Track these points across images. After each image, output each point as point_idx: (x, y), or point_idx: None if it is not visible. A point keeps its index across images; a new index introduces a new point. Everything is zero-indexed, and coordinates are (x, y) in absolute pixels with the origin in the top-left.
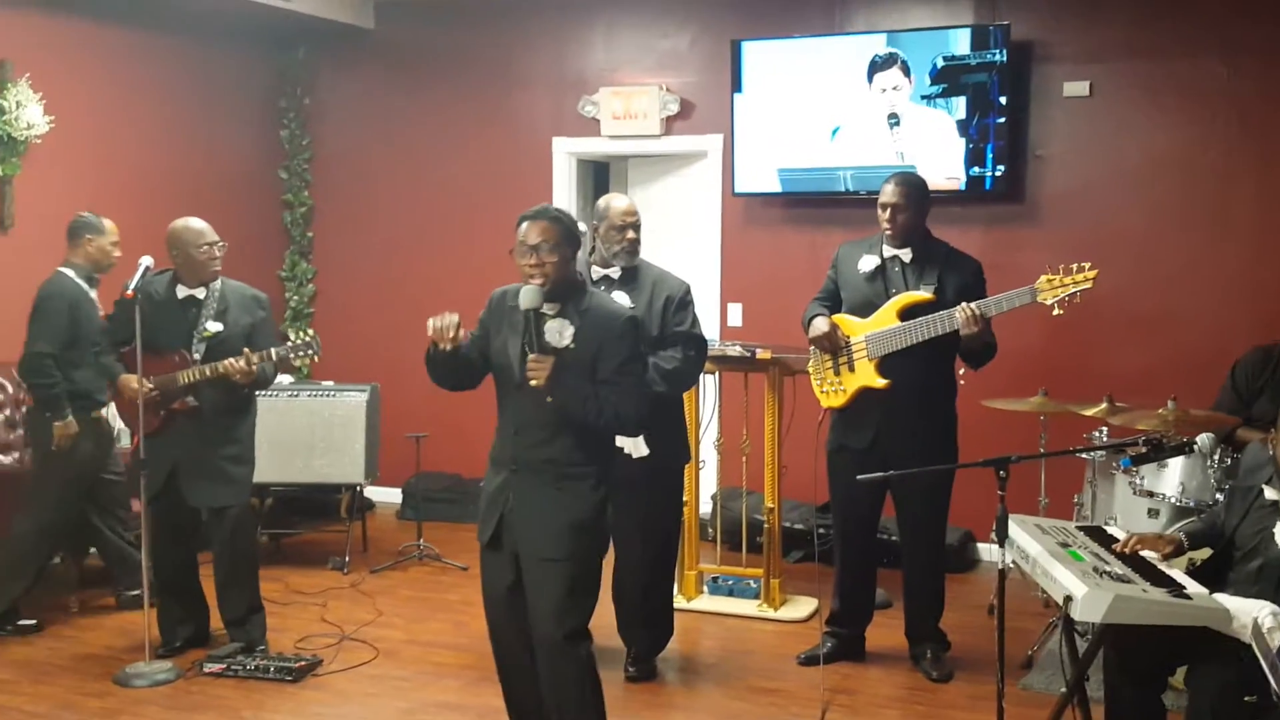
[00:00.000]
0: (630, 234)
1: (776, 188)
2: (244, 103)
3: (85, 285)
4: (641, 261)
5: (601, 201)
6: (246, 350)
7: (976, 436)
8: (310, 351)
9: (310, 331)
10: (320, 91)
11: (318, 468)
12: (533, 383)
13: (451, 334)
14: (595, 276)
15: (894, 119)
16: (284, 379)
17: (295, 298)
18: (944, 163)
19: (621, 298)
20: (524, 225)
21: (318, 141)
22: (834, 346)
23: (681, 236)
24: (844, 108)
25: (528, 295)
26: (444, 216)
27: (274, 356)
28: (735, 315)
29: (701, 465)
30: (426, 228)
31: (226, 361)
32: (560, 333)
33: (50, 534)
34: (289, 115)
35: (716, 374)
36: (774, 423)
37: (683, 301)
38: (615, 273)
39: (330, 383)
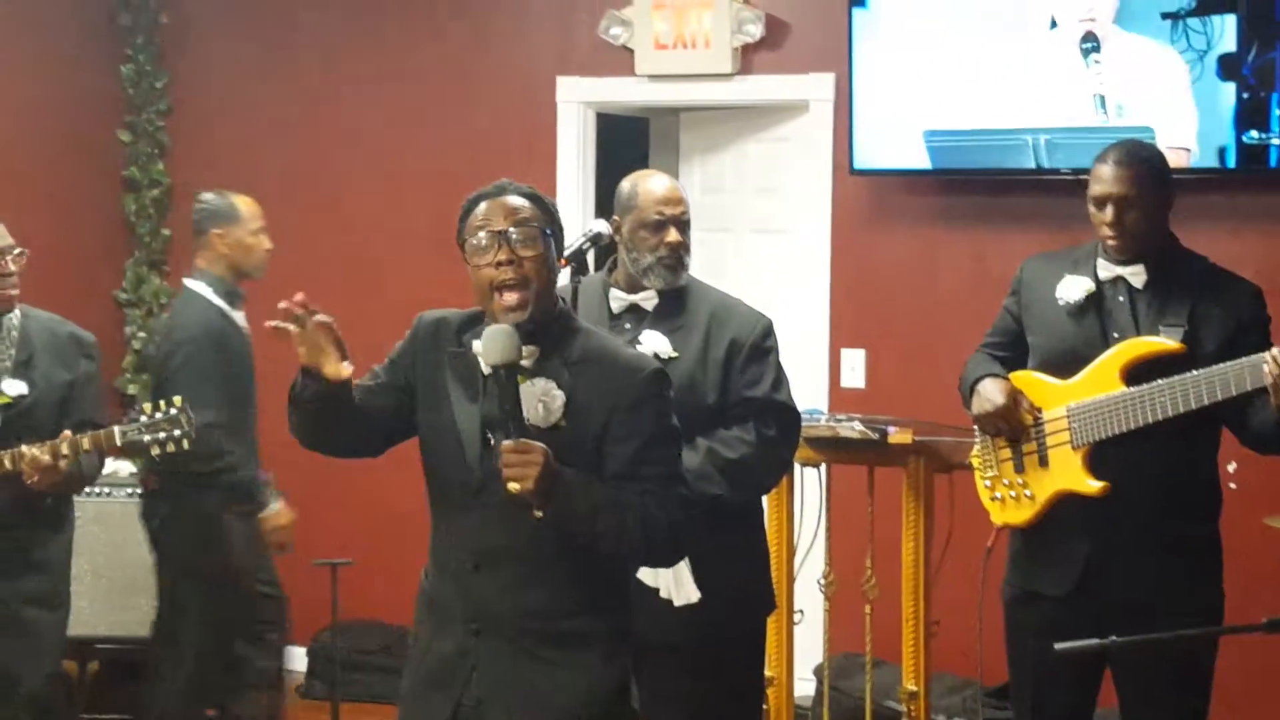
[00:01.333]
0: (672, 234)
1: (922, 161)
2: (61, 22)
3: (226, 305)
4: (693, 282)
5: (626, 183)
6: (68, 433)
7: (1253, 575)
8: (178, 432)
9: (178, 400)
10: (186, 5)
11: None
12: (512, 487)
13: (332, 354)
14: (617, 307)
15: (1090, 44)
16: (118, 468)
17: (141, 334)
18: (1171, 122)
19: (656, 342)
20: (480, 206)
21: (179, 84)
22: (1015, 426)
23: (762, 241)
24: (1031, 35)
25: (496, 341)
26: (381, 207)
27: (109, 441)
28: (854, 370)
29: (797, 619)
30: (353, 224)
31: (23, 450)
32: (544, 402)
33: (200, 689)
34: (134, 42)
35: (822, 467)
36: (917, 549)
37: (759, 348)
38: (649, 300)
39: None
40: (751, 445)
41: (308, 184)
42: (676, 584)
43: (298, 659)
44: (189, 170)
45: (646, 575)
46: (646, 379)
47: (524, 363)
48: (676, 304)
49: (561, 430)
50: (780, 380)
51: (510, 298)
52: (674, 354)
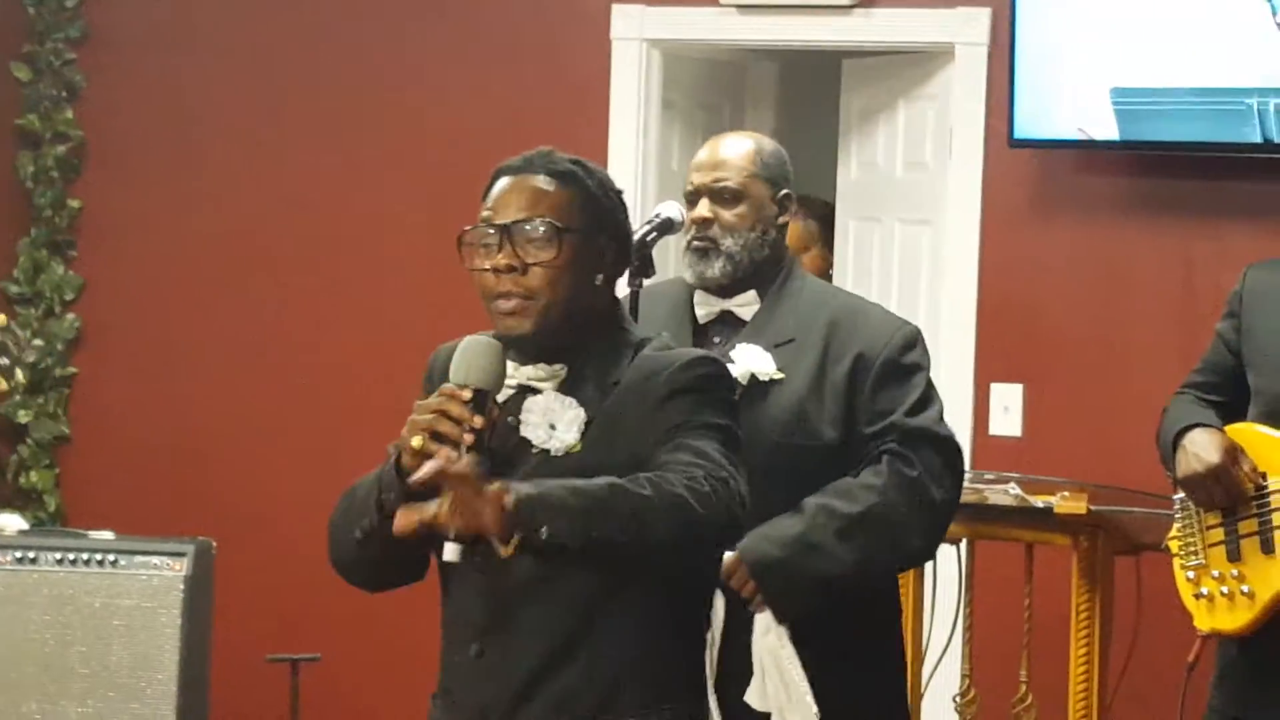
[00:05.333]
0: (700, 209)
1: (1108, 130)
2: None
3: None
4: (810, 282)
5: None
6: None
7: None
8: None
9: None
10: None
11: None
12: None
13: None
14: (704, 315)
15: None
16: (3, 521)
17: (38, 340)
18: None
19: (753, 359)
20: (496, 186)
21: (95, 6)
22: (1234, 494)
23: (880, 237)
24: None
25: (468, 356)
26: (371, 182)
27: None
28: (1007, 412)
29: None
30: (337, 202)
31: None
32: (553, 421)
33: None
34: None
35: (962, 544)
36: (1090, 660)
37: (895, 365)
38: (748, 305)
39: (106, 534)
40: (882, 493)
41: (271, 146)
42: (790, 700)
43: None
44: (107, 120)
45: (754, 697)
46: (676, 369)
47: (532, 380)
48: (785, 311)
49: (575, 458)
50: (928, 402)
51: (506, 304)
52: (778, 374)
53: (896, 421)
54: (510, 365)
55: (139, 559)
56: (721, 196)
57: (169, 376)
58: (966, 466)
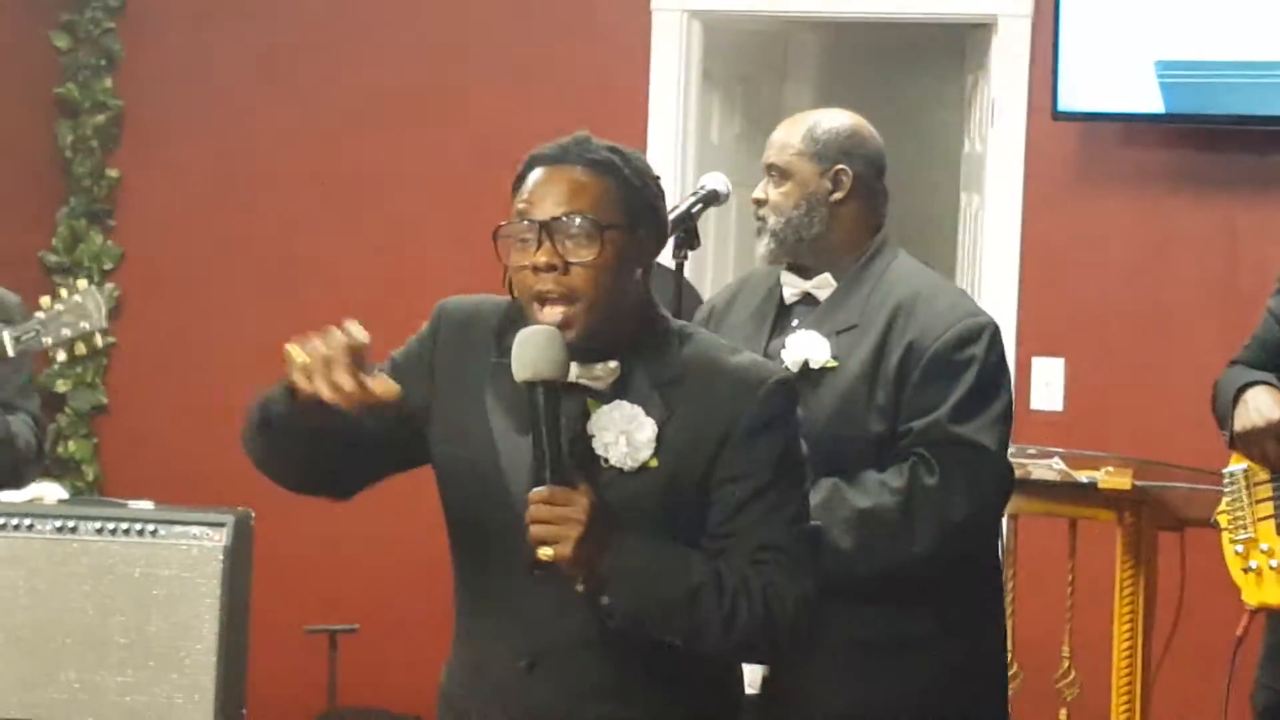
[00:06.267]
0: (757, 190)
1: (1154, 103)
2: None
3: None
4: (892, 262)
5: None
6: None
7: None
8: (85, 325)
9: (82, 283)
10: None
11: (115, 696)
12: (542, 553)
13: (345, 379)
14: (790, 295)
15: None
16: (44, 491)
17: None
18: None
19: (806, 345)
20: (531, 178)
21: None
22: None
23: (921, 211)
24: None
25: (533, 345)
26: (406, 160)
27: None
28: (1050, 386)
29: None
30: (372, 180)
31: None
32: (626, 435)
33: None
34: None
35: (1005, 519)
36: (1135, 635)
37: (945, 361)
38: (824, 287)
39: (146, 503)
40: (895, 493)
41: (309, 118)
42: None
43: None
44: (146, 90)
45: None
46: (767, 395)
47: (582, 378)
48: (858, 295)
49: (651, 474)
50: (981, 405)
51: (550, 313)
52: (831, 362)
53: (939, 419)
54: None
55: (178, 529)
56: (771, 175)
57: (206, 347)
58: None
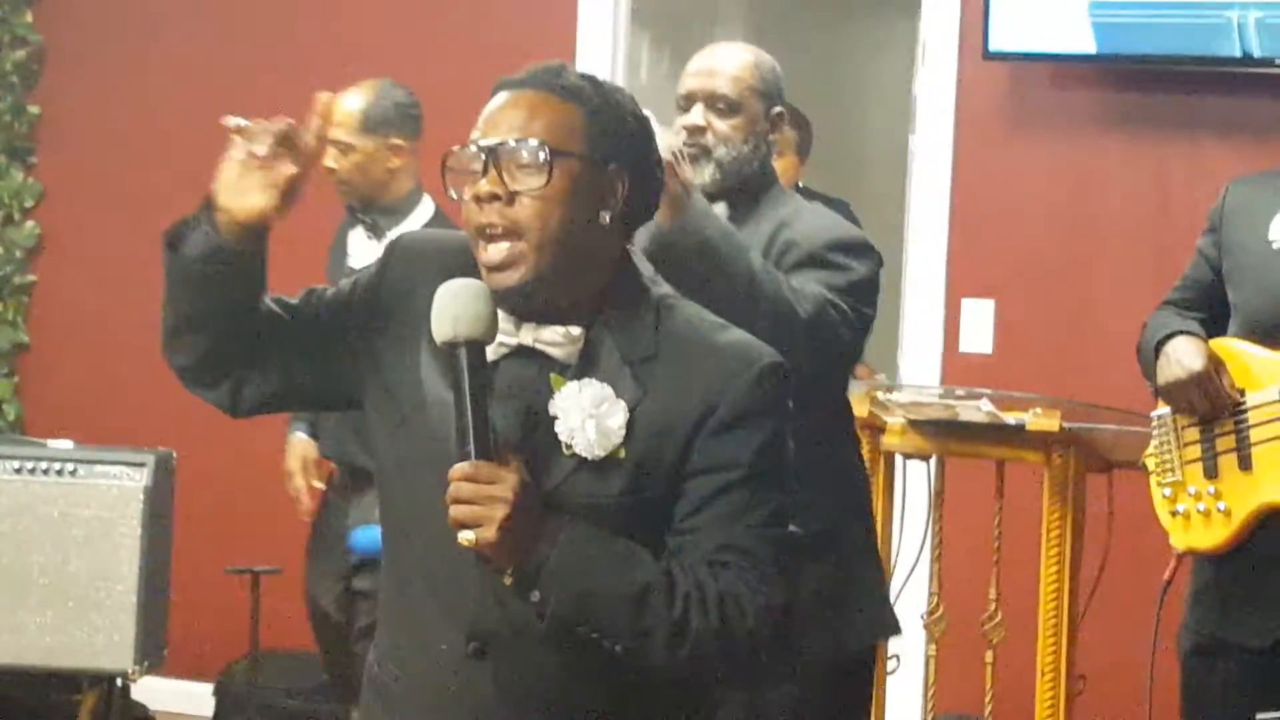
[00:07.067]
0: (693, 115)
1: (1085, 43)
2: None
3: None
4: (782, 192)
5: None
6: None
7: None
8: None
9: None
10: None
11: (34, 637)
12: (463, 538)
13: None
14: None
15: None
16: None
17: None
18: None
19: None
20: (494, 100)
21: None
22: (1217, 403)
23: (854, 150)
24: None
25: (456, 300)
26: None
27: None
28: (979, 328)
29: (891, 665)
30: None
31: None
32: (594, 418)
33: None
34: None
35: (932, 460)
36: (1061, 577)
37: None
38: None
39: (65, 443)
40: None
41: (229, 51)
42: None
43: (202, 699)
44: (66, 24)
45: None
46: (756, 379)
47: (544, 347)
48: (750, 233)
49: (616, 463)
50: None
51: (493, 252)
52: None
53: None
54: (504, 319)
55: (99, 469)
56: (717, 106)
57: (129, 284)
58: (937, 381)
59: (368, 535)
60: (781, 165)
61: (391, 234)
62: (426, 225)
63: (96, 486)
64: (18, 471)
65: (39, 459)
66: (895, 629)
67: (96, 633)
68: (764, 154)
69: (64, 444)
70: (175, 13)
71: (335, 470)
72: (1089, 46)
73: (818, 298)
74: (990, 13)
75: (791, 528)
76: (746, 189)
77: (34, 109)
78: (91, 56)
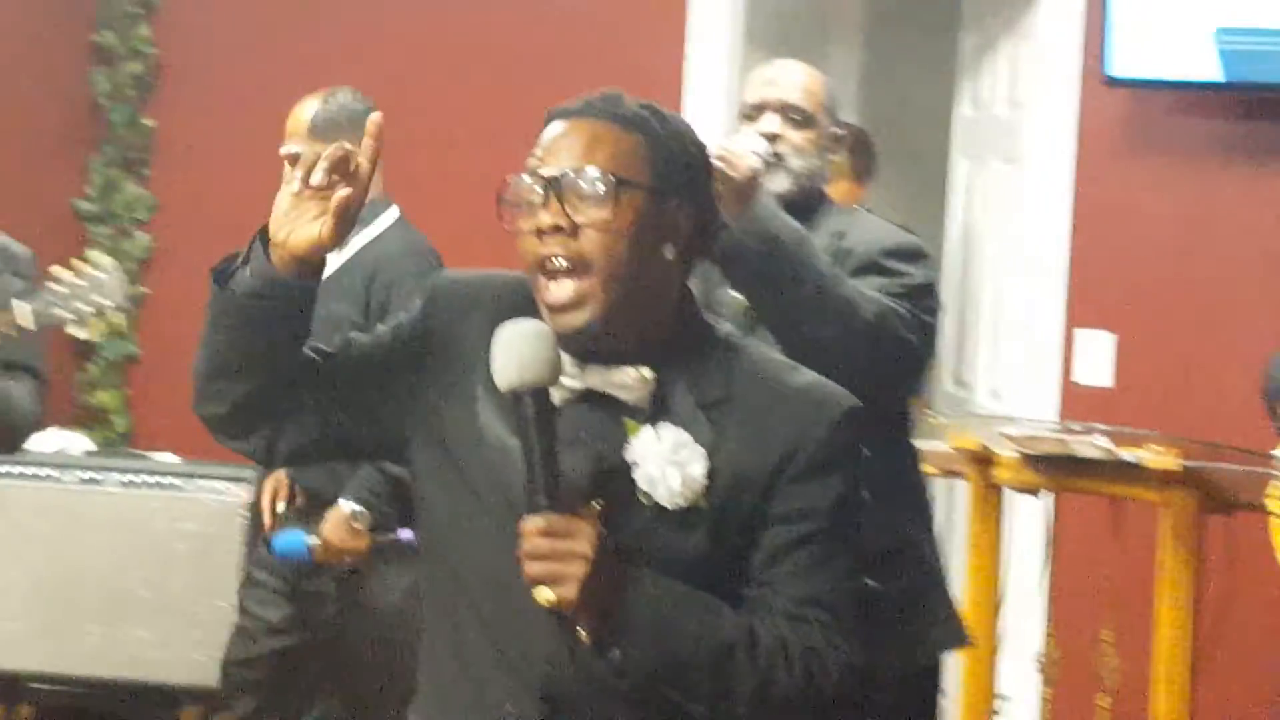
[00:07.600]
0: (766, 122)
1: (1211, 70)
2: None
3: None
4: (834, 205)
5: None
6: None
7: None
8: (106, 300)
9: (106, 259)
10: None
11: (135, 649)
12: (540, 596)
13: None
14: None
15: None
16: (66, 440)
17: (107, 259)
18: None
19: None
20: (551, 128)
21: None
22: None
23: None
24: None
25: (519, 344)
26: (434, 100)
27: (10, 324)
28: (1097, 361)
29: (998, 707)
30: (402, 128)
31: None
32: (675, 465)
33: None
34: None
35: (1047, 497)
36: (1180, 622)
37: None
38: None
39: (170, 457)
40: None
41: (345, 68)
42: None
43: None
44: (183, 38)
45: None
46: (835, 426)
47: (615, 391)
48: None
49: (696, 514)
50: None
51: (558, 291)
52: None
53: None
54: (568, 362)
55: (202, 483)
56: (790, 116)
57: None
58: (1054, 415)
59: (286, 539)
60: (842, 189)
61: (354, 242)
62: (387, 231)
63: (199, 501)
64: (124, 485)
65: (144, 472)
66: (965, 640)
67: (196, 648)
68: (826, 173)
69: (169, 457)
70: (292, 27)
71: (297, 492)
72: (1215, 74)
73: (879, 301)
74: (1110, 37)
75: (868, 581)
76: (806, 202)
77: (149, 122)
78: (207, 70)
